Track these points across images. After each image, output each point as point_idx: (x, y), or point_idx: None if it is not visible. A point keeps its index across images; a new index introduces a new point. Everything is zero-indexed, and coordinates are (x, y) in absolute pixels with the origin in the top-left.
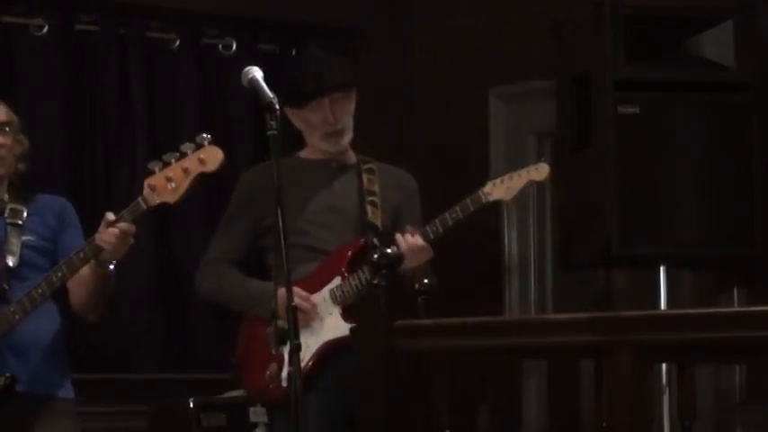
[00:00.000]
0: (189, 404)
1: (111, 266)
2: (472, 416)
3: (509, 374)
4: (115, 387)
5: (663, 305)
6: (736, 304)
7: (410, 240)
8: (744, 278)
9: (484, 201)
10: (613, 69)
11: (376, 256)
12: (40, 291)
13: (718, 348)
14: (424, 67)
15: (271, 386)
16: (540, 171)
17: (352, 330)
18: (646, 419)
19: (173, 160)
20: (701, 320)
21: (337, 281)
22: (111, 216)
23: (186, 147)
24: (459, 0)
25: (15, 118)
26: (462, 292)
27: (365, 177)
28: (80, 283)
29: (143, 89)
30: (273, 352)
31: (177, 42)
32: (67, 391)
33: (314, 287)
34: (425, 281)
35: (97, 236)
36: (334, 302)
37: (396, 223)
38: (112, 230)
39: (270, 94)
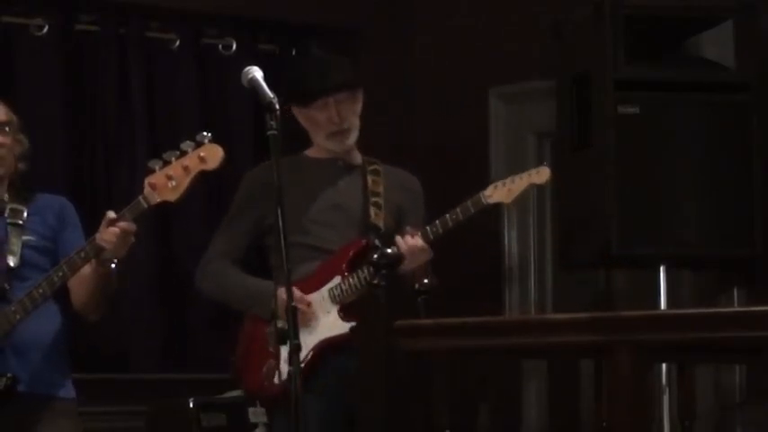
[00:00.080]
0: (189, 404)
1: (113, 265)
2: (472, 416)
3: (509, 374)
4: (115, 387)
5: (663, 305)
6: (736, 304)
7: (410, 242)
8: (744, 278)
9: (484, 203)
10: (613, 69)
11: (376, 256)
12: (40, 291)
13: (718, 348)
14: (424, 67)
15: (265, 383)
16: (542, 174)
17: (352, 330)
18: (646, 419)
19: (173, 159)
20: (701, 320)
21: (337, 280)
22: (111, 215)
23: (186, 145)
24: (459, 0)
25: (15, 118)
26: (462, 293)
27: (370, 178)
28: (81, 282)
29: (143, 89)
30: (272, 350)
31: (177, 42)
32: (68, 391)
33: (314, 286)
34: (425, 281)
35: (98, 235)
36: (332, 301)
37: (399, 224)
38: (113, 230)
39: (270, 94)
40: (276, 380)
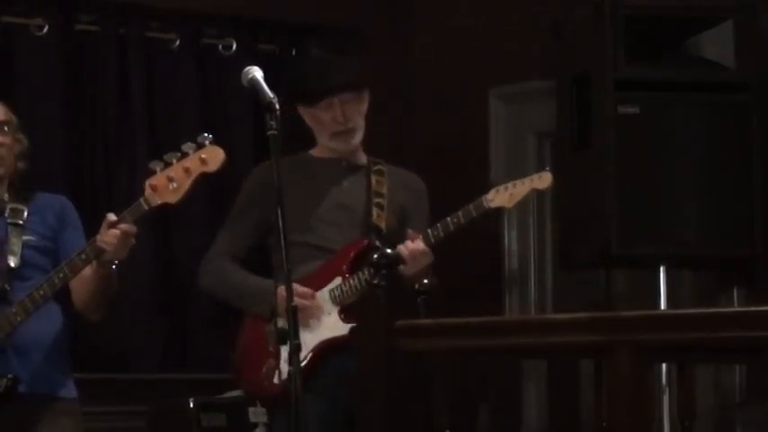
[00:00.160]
0: (189, 404)
1: (113, 267)
2: (472, 416)
3: (509, 374)
4: (115, 387)
5: (663, 305)
6: (736, 304)
7: (411, 246)
8: (744, 278)
9: (486, 207)
10: (613, 69)
11: (376, 256)
12: (41, 292)
13: (718, 348)
14: (424, 67)
15: (265, 383)
16: (544, 179)
17: (352, 330)
18: (646, 419)
19: (174, 160)
20: (701, 320)
21: (338, 281)
22: (112, 217)
23: (187, 146)
24: (459, 0)
25: (13, 117)
26: (462, 293)
27: (374, 179)
28: (82, 282)
29: (143, 89)
30: (272, 350)
31: (177, 42)
32: (70, 391)
33: (315, 286)
34: (425, 281)
35: (98, 237)
36: (333, 302)
37: (402, 225)
38: (114, 232)
39: (270, 94)
40: (276, 380)
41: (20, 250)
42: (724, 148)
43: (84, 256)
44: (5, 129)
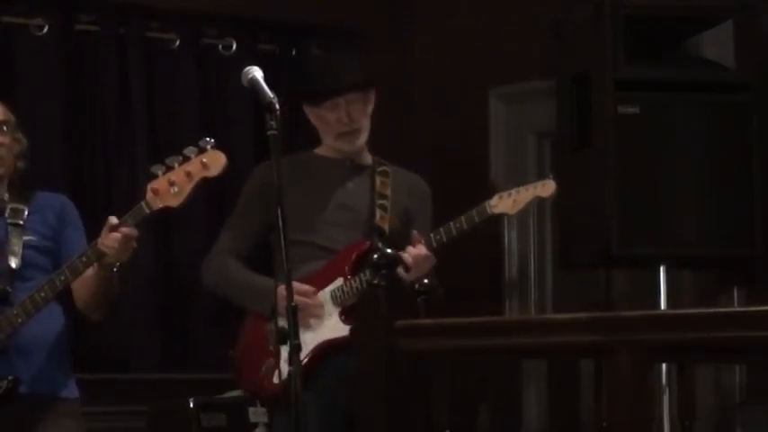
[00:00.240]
0: (189, 404)
1: (114, 269)
2: (472, 416)
3: (509, 374)
4: (115, 387)
5: (663, 305)
6: (736, 304)
7: (414, 252)
8: (744, 278)
9: (489, 213)
10: (613, 69)
11: (376, 256)
12: (42, 294)
13: (718, 348)
14: (424, 67)
15: (264, 382)
16: (547, 187)
17: (352, 330)
18: (646, 419)
19: (176, 164)
20: (701, 320)
21: (339, 282)
22: (113, 220)
23: (189, 150)
24: (459, 0)
25: (12, 116)
26: (462, 293)
27: (378, 180)
28: (83, 283)
29: (143, 89)
30: (272, 349)
31: (177, 42)
32: (71, 391)
33: (317, 286)
34: (425, 281)
35: (100, 240)
36: (334, 303)
37: (406, 226)
38: (115, 235)
39: (270, 94)
40: (275, 379)
41: (20, 251)
42: (724, 148)
43: (84, 259)
44: (4, 128)
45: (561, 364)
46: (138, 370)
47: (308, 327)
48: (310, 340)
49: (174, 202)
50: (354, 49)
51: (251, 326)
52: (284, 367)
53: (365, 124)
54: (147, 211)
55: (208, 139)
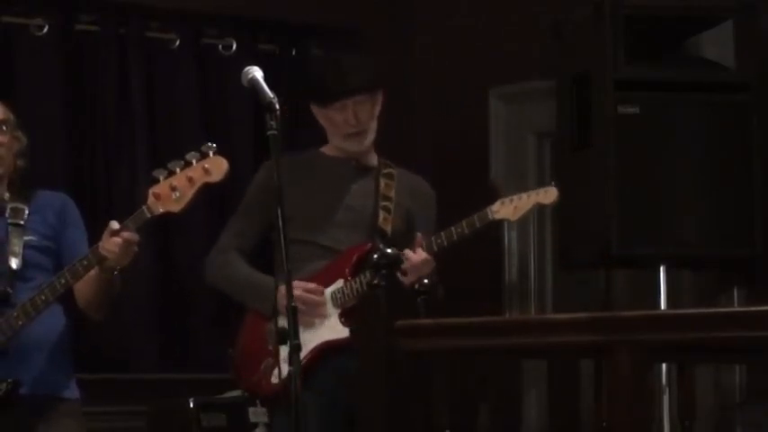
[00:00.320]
0: (189, 404)
1: (115, 273)
2: (472, 416)
3: (509, 374)
4: (115, 387)
5: (663, 305)
6: (736, 304)
7: (413, 257)
8: (744, 278)
9: (491, 218)
10: (613, 69)
11: (376, 256)
12: (43, 297)
13: (719, 348)
14: (424, 67)
15: (263, 381)
16: (549, 194)
17: (352, 331)
18: (646, 419)
19: (177, 169)
20: (701, 320)
21: (340, 283)
22: (115, 225)
23: (191, 155)
24: (459, 0)
25: (11, 115)
26: (462, 293)
27: (383, 182)
28: (85, 283)
29: (143, 89)
30: (271, 349)
31: (177, 42)
32: (72, 392)
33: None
34: (425, 281)
35: (101, 244)
36: (334, 304)
37: (409, 229)
38: (116, 240)
39: (270, 94)
40: (273, 378)
41: (21, 251)
42: (724, 148)
43: (85, 263)
44: (4, 128)
45: (561, 364)
46: (138, 370)
47: (307, 327)
48: (309, 341)
49: (176, 208)
50: (361, 49)
51: (250, 325)
52: (284, 367)
53: (372, 126)
54: (149, 215)
55: (210, 144)
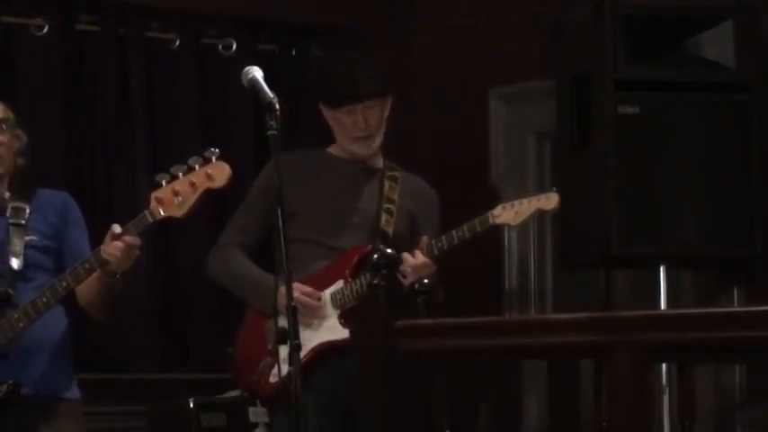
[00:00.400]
0: (189, 404)
1: (117, 276)
2: (472, 416)
3: (509, 374)
4: (115, 387)
5: (663, 305)
6: (736, 304)
7: (411, 261)
8: (744, 278)
9: (492, 223)
10: (613, 69)
11: (375, 256)
12: (44, 299)
13: (718, 348)
14: (424, 67)
15: (261, 380)
16: (550, 200)
17: (352, 331)
18: (646, 419)
19: (180, 174)
20: (701, 320)
21: (340, 284)
22: (117, 229)
23: (194, 161)
24: (459, 0)
25: (11, 114)
26: (462, 293)
27: (387, 184)
28: (86, 285)
29: (143, 89)
30: (270, 348)
31: (177, 42)
32: (73, 392)
33: (317, 286)
34: (425, 281)
35: (102, 248)
36: (334, 305)
37: (411, 232)
38: (118, 244)
39: (270, 94)
40: (272, 378)
41: (22, 251)
42: (724, 148)
43: (87, 266)
44: (3, 127)
45: (561, 364)
46: (138, 370)
47: (307, 327)
48: (309, 341)
49: (178, 213)
50: (372, 52)
51: (251, 324)
52: (282, 367)
53: (381, 129)
54: (151, 220)
55: (213, 149)
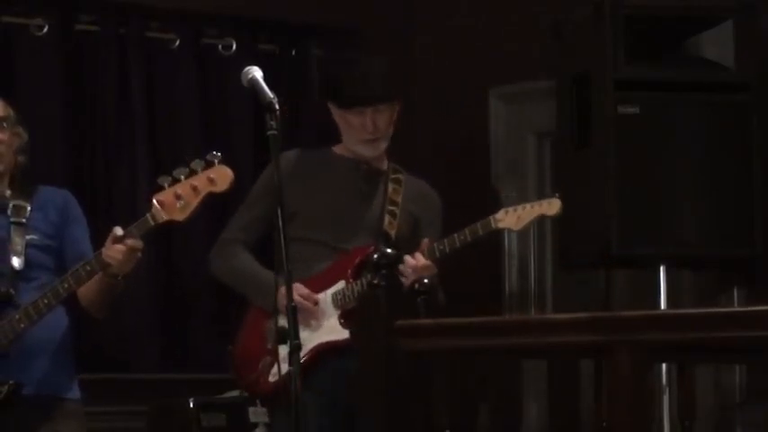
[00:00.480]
0: (189, 404)
1: (119, 278)
2: (472, 416)
3: (509, 374)
4: (115, 387)
5: (663, 305)
6: (736, 304)
7: (411, 263)
8: (744, 278)
9: (494, 227)
10: (613, 69)
11: (376, 256)
12: (45, 301)
13: (719, 348)
14: (424, 67)
15: (260, 380)
16: (553, 206)
17: (352, 331)
18: (646, 419)
19: (182, 177)
20: (701, 320)
21: (341, 284)
22: (119, 231)
23: (196, 164)
24: (459, 0)
25: (11, 112)
26: (462, 293)
27: (391, 186)
28: (87, 284)
29: (143, 89)
30: (269, 347)
31: (177, 42)
32: (74, 392)
33: (319, 287)
34: (425, 281)
35: (104, 251)
36: (335, 306)
37: (414, 234)
38: (119, 247)
39: (270, 94)
40: (271, 377)
41: (23, 250)
42: (724, 148)
43: (89, 268)
44: (4, 125)
45: (561, 364)
46: (138, 370)
47: (307, 327)
48: (309, 341)
49: (180, 216)
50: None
51: (251, 324)
52: (283, 366)
53: (389, 132)
54: (152, 223)
55: (215, 152)
